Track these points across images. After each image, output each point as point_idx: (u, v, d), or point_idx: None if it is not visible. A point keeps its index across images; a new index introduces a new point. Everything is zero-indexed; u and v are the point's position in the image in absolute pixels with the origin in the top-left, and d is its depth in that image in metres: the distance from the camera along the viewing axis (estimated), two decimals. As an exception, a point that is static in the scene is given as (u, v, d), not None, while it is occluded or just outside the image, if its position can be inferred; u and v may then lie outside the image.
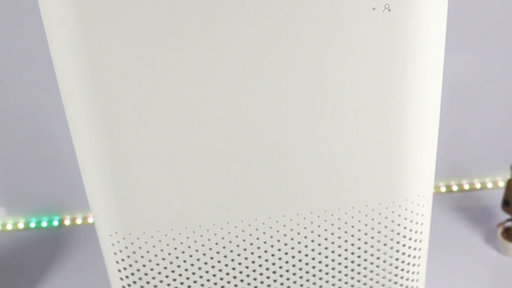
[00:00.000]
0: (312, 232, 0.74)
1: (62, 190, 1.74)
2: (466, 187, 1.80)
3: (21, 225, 1.76)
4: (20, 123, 1.62)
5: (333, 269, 0.77)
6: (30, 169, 1.71)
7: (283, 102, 0.65)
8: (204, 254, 0.74)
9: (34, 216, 1.78)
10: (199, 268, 0.75)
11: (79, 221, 1.78)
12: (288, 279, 0.78)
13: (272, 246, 0.74)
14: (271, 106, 0.65)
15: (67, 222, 1.77)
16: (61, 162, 1.69)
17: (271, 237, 0.74)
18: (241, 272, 0.76)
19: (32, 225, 1.77)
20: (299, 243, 0.75)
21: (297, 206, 0.72)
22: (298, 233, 0.74)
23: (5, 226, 1.77)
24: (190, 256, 0.74)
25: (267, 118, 0.65)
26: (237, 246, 0.74)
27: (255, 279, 0.77)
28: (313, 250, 0.75)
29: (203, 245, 0.73)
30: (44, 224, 1.77)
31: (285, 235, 0.74)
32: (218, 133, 0.66)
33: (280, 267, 0.76)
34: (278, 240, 0.74)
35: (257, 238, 0.74)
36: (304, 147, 0.68)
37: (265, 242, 0.74)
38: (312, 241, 0.75)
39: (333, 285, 0.79)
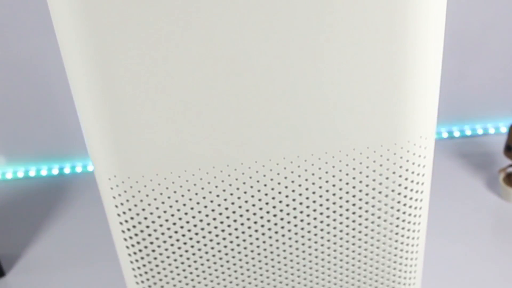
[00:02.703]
0: (313, 174, 0.73)
1: (61, 138, 1.74)
2: (468, 132, 1.79)
3: (20, 174, 1.76)
4: (19, 72, 1.61)
5: (334, 212, 0.77)
6: (29, 118, 1.70)
7: (285, 41, 0.63)
8: (204, 198, 0.73)
9: (33, 164, 1.78)
10: (199, 212, 0.75)
11: (79, 169, 1.78)
12: (288, 222, 0.77)
13: (272, 188, 0.74)
14: (273, 44, 0.63)
15: (66, 170, 1.77)
16: (61, 110, 1.68)
17: (272, 179, 0.73)
18: (241, 216, 0.76)
19: (32, 173, 1.77)
20: (299, 185, 0.74)
21: (298, 148, 0.71)
22: (299, 176, 0.73)
23: (4, 175, 1.77)
24: (190, 199, 0.73)
25: (269, 57, 0.64)
26: (237, 189, 0.73)
27: (255, 222, 0.77)
28: (314, 192, 0.75)
29: (202, 188, 0.73)
30: (43, 172, 1.77)
31: (285, 177, 0.73)
32: (219, 73, 0.64)
33: (281, 210, 0.76)
34: (279, 183, 0.73)
35: (257, 181, 0.73)
36: (305, 88, 0.67)
37: (265, 185, 0.73)
38: (313, 183, 0.74)
39: (334, 228, 0.79)
